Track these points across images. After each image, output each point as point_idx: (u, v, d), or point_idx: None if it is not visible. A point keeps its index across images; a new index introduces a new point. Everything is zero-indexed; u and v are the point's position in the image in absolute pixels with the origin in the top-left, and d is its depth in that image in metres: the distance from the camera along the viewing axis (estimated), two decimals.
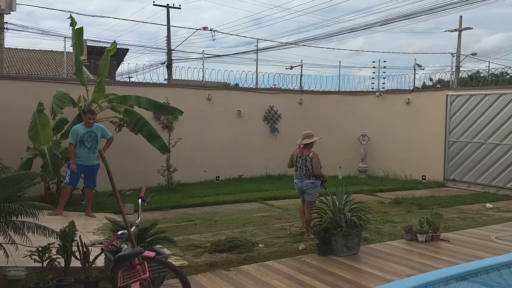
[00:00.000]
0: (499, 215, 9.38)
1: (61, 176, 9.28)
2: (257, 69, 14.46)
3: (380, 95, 14.78)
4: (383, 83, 15.42)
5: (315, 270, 5.69)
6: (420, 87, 16.41)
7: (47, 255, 4.66)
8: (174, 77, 19.60)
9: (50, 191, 9.61)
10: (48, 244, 4.70)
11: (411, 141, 13.83)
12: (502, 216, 9.19)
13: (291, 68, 16.92)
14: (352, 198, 6.71)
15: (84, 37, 10.18)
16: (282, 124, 14.19)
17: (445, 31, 27.78)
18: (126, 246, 4.14)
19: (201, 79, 13.55)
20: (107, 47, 10.42)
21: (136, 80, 13.32)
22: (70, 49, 10.78)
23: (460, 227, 8.13)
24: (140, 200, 4.54)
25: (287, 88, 14.86)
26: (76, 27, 9.70)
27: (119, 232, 4.10)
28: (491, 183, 12.19)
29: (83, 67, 11.02)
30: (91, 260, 4.81)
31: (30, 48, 26.76)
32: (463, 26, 26.59)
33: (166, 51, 25.57)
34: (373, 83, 15.56)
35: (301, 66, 15.44)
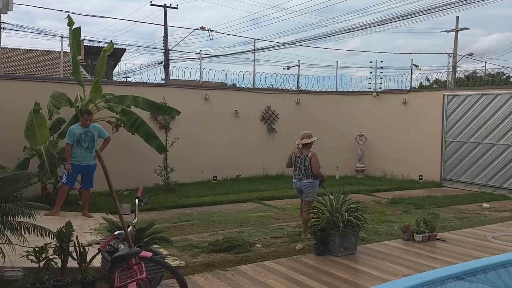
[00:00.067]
0: (496, 215, 9.41)
1: (58, 176, 9.27)
2: (254, 69, 14.48)
3: (377, 95, 14.81)
4: (380, 83, 15.47)
5: (312, 270, 5.69)
6: (417, 87, 16.46)
7: (43, 255, 4.65)
8: (171, 77, 19.56)
9: (47, 191, 9.59)
10: (45, 244, 4.69)
11: (408, 141, 13.87)
12: (498, 216, 9.22)
13: (289, 68, 16.94)
14: (349, 198, 6.72)
15: (81, 37, 10.15)
16: (280, 124, 14.20)
17: (442, 31, 27.86)
18: (123, 246, 4.13)
19: (198, 79, 13.55)
20: (104, 47, 10.40)
21: (133, 80, 13.28)
22: (67, 49, 10.76)
23: (457, 227, 8.15)
24: (137, 200, 4.52)
25: (284, 88, 14.87)
26: (73, 27, 9.69)
27: (116, 232, 4.09)
28: (488, 183, 12.23)
29: (80, 67, 10.98)
30: (88, 260, 4.80)
31: (27, 48, 26.72)
32: (459, 27, 26.68)
33: (163, 51, 25.57)
34: (370, 83, 15.61)
35: (299, 66, 15.46)
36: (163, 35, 26.58)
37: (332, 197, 6.56)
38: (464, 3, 18.60)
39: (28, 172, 5.61)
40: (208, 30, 23.14)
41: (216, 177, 13.07)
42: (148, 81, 12.69)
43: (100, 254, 4.70)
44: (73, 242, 4.82)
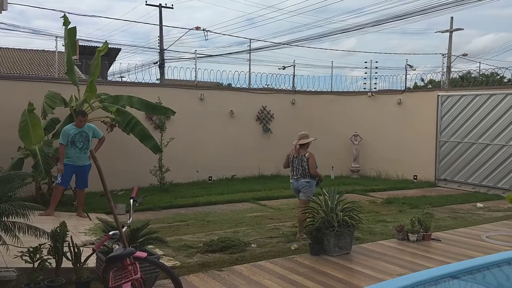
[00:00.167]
0: (490, 214, 9.46)
1: (53, 177, 9.23)
2: (250, 69, 14.47)
3: (372, 95, 14.85)
4: (375, 84, 15.52)
5: (308, 269, 5.70)
6: (411, 87, 16.53)
7: (38, 256, 4.63)
8: (166, 77, 19.55)
9: (41, 192, 9.55)
10: (39, 244, 4.67)
11: (402, 141, 13.92)
12: (492, 216, 9.27)
13: (284, 68, 16.96)
14: (344, 198, 6.73)
15: (76, 37, 10.11)
16: (275, 124, 14.21)
17: (437, 32, 27.94)
18: (117, 247, 4.12)
19: (193, 79, 13.53)
20: (99, 46, 10.37)
21: (128, 80, 13.26)
22: (62, 49, 10.71)
23: (451, 226, 8.19)
24: (131, 200, 4.52)
25: (279, 88, 14.88)
26: (69, 27, 9.65)
27: (110, 233, 4.08)
28: (482, 183, 12.29)
29: (75, 66, 10.95)
30: (82, 260, 4.78)
31: (22, 48, 26.57)
32: (454, 27, 26.78)
33: (159, 51, 25.50)
34: (365, 83, 15.64)
35: (294, 66, 15.49)
36: (158, 35, 26.53)
37: (327, 197, 6.57)
38: (459, 4, 18.69)
39: (23, 172, 5.59)
40: (203, 30, 23.10)
41: (211, 177, 13.06)
42: (143, 81, 12.67)
43: (94, 254, 4.69)
44: (67, 243, 4.80)
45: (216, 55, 26.22)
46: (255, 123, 14.04)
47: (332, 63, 16.14)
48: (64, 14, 9.80)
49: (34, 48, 27.07)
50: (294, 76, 15.30)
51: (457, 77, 18.80)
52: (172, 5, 27.45)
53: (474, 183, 12.48)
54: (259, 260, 6.00)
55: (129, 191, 10.06)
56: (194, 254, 6.27)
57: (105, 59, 13.38)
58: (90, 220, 7.60)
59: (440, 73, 16.33)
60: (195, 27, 23.22)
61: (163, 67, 23.57)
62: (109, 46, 10.57)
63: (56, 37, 11.96)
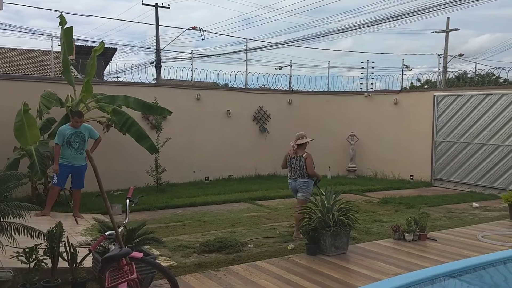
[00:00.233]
0: (486, 214, 9.50)
1: (49, 177, 9.20)
2: (246, 69, 14.48)
3: (369, 95, 14.88)
4: (372, 84, 15.52)
5: (304, 269, 5.71)
6: (408, 87, 16.55)
7: (34, 256, 4.62)
8: (163, 77, 19.51)
9: (37, 192, 9.52)
10: (35, 245, 4.66)
11: (399, 141, 13.95)
12: (488, 216, 9.30)
13: (281, 68, 16.98)
14: (340, 198, 6.74)
15: (73, 37, 10.09)
16: (272, 124, 14.21)
17: (433, 32, 28.02)
18: (113, 247, 4.11)
19: (190, 79, 13.51)
20: (95, 46, 10.34)
21: (124, 80, 13.23)
22: (58, 49, 10.68)
23: (447, 226, 8.21)
24: (128, 200, 4.51)
25: (276, 88, 14.89)
26: (65, 27, 9.62)
27: (106, 233, 4.07)
28: (478, 183, 12.34)
29: (71, 66, 10.93)
30: (78, 261, 4.77)
31: (17, 47, 26.47)
32: (450, 27, 26.85)
33: (155, 50, 25.48)
34: (361, 83, 15.65)
35: (291, 66, 15.48)
36: (155, 34, 26.49)
37: (323, 197, 6.58)
38: (455, 4, 18.76)
39: (18, 173, 5.57)
40: (200, 30, 23.13)
41: (208, 177, 13.05)
42: (140, 81, 12.63)
43: (90, 254, 4.69)
44: (63, 243, 4.79)
45: (213, 55, 26.25)
46: (251, 123, 14.04)
47: (328, 63, 16.12)
48: (61, 13, 9.77)
49: (30, 48, 27.02)
50: (291, 76, 15.31)
51: (453, 77, 18.83)
52: (169, 4, 27.45)
53: (470, 183, 12.52)
54: (256, 260, 6.00)
55: (125, 191, 10.04)
56: (190, 254, 6.26)
57: (101, 59, 13.38)
58: (77, 224, 7.53)
59: (437, 73, 16.38)
60: (192, 27, 23.25)
61: (160, 67, 23.55)
62: (105, 46, 10.56)
63: (52, 36, 11.91)
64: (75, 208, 8.32)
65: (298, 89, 15.18)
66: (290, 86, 15.26)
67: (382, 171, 14.33)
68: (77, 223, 7.54)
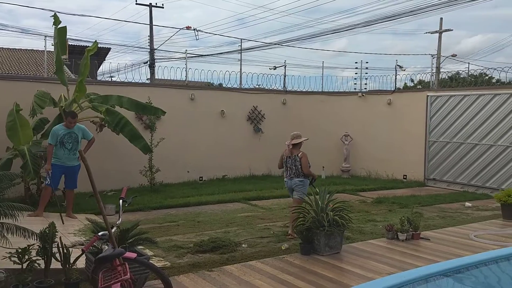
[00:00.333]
0: (478, 213, 9.55)
1: (41, 177, 9.15)
2: (241, 69, 14.49)
3: (363, 95, 14.92)
4: (366, 84, 15.57)
5: (298, 269, 5.71)
6: (401, 88, 16.61)
7: (27, 257, 4.59)
8: (156, 77, 19.49)
9: (30, 192, 9.47)
10: (28, 245, 4.63)
11: (392, 141, 14.00)
12: (481, 215, 9.36)
13: (275, 68, 16.97)
14: (334, 198, 6.76)
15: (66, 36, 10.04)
16: (266, 124, 14.22)
17: (426, 32, 28.15)
18: (107, 247, 4.10)
19: (184, 79, 13.50)
20: (88, 46, 10.30)
21: (118, 80, 13.17)
22: (51, 48, 10.62)
23: (440, 225, 8.25)
24: (121, 201, 4.50)
25: (270, 88, 14.90)
26: (59, 26, 9.57)
27: (100, 233, 4.06)
28: (470, 182, 12.41)
29: (64, 66, 10.87)
30: (71, 261, 4.75)
31: (10, 47, 26.28)
32: (443, 28, 26.99)
33: (149, 50, 25.40)
34: (355, 83, 15.70)
35: (285, 67, 15.50)
36: (149, 34, 26.41)
37: (317, 196, 6.60)
38: (448, 5, 18.86)
39: (11, 173, 5.55)
40: (194, 29, 23.09)
41: (202, 177, 13.03)
42: (133, 81, 12.60)
43: (84, 255, 4.67)
44: (56, 243, 4.77)
45: (207, 55, 26.23)
46: (246, 123, 14.04)
47: (323, 64, 16.20)
48: (55, 13, 9.73)
49: (23, 48, 26.85)
50: (285, 76, 15.33)
51: (446, 77, 18.93)
52: (163, 4, 27.35)
53: (463, 182, 12.60)
54: (250, 260, 6.00)
55: (119, 191, 10.00)
56: (184, 254, 6.25)
57: (94, 59, 13.32)
58: (63, 224, 7.47)
59: (430, 73, 16.46)
60: (186, 27, 23.21)
61: (154, 67, 23.49)
62: (99, 45, 10.52)
63: (45, 36, 11.85)
64: (68, 208, 8.28)
65: (292, 89, 15.20)
66: (284, 86, 15.28)
67: (376, 171, 14.38)
68: (63, 223, 7.47)
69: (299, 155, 7.38)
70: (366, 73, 15.70)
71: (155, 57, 25.18)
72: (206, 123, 13.14)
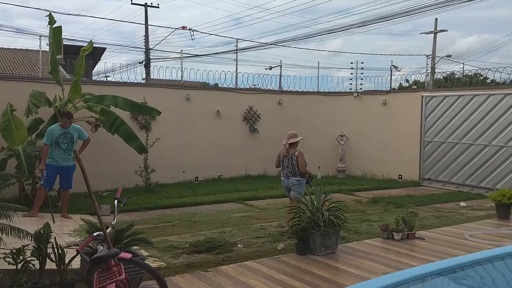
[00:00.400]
0: (473, 213, 9.59)
1: (36, 177, 9.11)
2: (236, 69, 14.46)
3: (358, 96, 14.96)
4: (361, 84, 15.63)
5: (294, 269, 5.72)
6: (396, 88, 16.67)
7: (21, 257, 4.58)
8: (152, 77, 19.40)
9: (24, 193, 9.43)
10: (23, 246, 4.61)
11: (387, 141, 14.04)
12: (475, 215, 9.40)
13: (271, 68, 16.99)
14: (330, 198, 6.77)
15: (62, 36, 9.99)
16: (262, 124, 14.22)
17: (421, 33, 28.22)
18: (102, 248, 4.09)
19: (179, 79, 13.47)
20: (83, 46, 10.26)
21: (113, 80, 13.12)
22: (46, 48, 10.58)
23: (435, 225, 8.28)
24: (116, 201, 4.48)
25: (266, 88, 14.90)
26: (54, 26, 9.53)
27: (94, 234, 4.04)
28: (465, 182, 12.46)
29: (60, 66, 10.82)
30: (66, 262, 4.74)
31: (5, 47, 26.14)
32: (438, 29, 27.08)
33: (144, 50, 25.34)
34: (351, 84, 15.75)
35: (281, 67, 15.52)
36: (144, 34, 26.35)
37: (313, 196, 6.61)
38: (442, 6, 18.91)
39: (5, 173, 5.52)
40: (189, 29, 23.02)
41: (197, 177, 13.02)
42: (129, 81, 12.57)
43: (79, 255, 4.65)
44: (51, 244, 4.75)
45: (203, 55, 26.22)
46: (241, 123, 14.03)
47: (318, 64, 16.25)
48: (50, 13, 9.68)
49: (17, 47, 26.71)
50: (280, 76, 15.35)
51: (441, 78, 19.02)
52: (158, 4, 27.29)
53: (458, 182, 12.65)
54: (245, 260, 6.00)
55: (114, 192, 9.96)
56: (179, 255, 6.24)
57: (89, 59, 13.27)
58: (54, 223, 7.43)
59: (425, 74, 16.50)
60: (181, 27, 23.13)
61: (149, 67, 23.41)
62: (94, 45, 10.48)
63: (40, 36, 11.79)
64: (63, 209, 8.26)
65: (288, 89, 15.21)
66: (280, 86, 15.29)
67: (371, 171, 14.41)
68: (53, 222, 7.42)
69: (295, 154, 7.48)
70: (362, 73, 15.77)
71: (151, 57, 25.13)
72: (202, 123, 13.13)
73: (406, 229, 7.18)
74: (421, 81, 20.45)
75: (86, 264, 4.41)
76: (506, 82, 15.49)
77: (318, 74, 15.70)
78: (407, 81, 23.26)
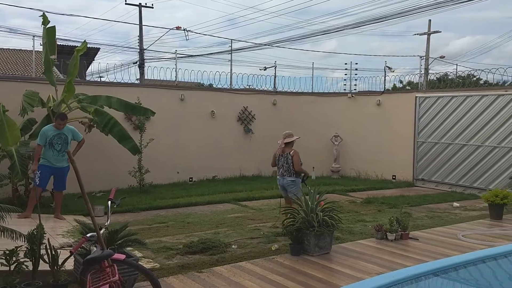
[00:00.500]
0: (466, 213, 9.64)
1: (30, 178, 9.06)
2: (231, 69, 14.46)
3: (352, 96, 15.00)
4: (355, 85, 15.69)
5: (288, 270, 5.72)
6: (390, 89, 16.74)
7: (14, 259, 4.56)
8: (146, 77, 19.36)
9: (18, 193, 9.37)
10: (16, 247, 4.59)
11: (381, 142, 14.09)
12: (468, 215, 9.45)
13: (265, 69, 17.01)
14: (324, 198, 6.79)
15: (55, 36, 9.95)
16: (256, 125, 14.22)
17: (415, 34, 28.39)
18: (95, 249, 4.07)
19: (174, 79, 13.45)
20: (77, 46, 10.22)
21: (107, 80, 13.07)
22: (39, 48, 10.52)
23: (428, 225, 8.32)
24: (109, 202, 4.47)
25: (261, 89, 14.91)
26: (47, 26, 9.49)
27: (88, 235, 4.03)
28: (458, 183, 12.52)
29: (53, 66, 10.76)
30: (60, 263, 4.72)
31: None
32: (432, 30, 27.19)
33: (138, 50, 25.26)
34: (345, 84, 15.80)
35: (275, 67, 15.53)
36: (138, 34, 26.27)
37: (307, 197, 6.62)
38: (436, 7, 19.01)
39: None
40: (184, 30, 22.98)
41: (192, 178, 13.00)
42: (122, 81, 12.53)
43: (72, 256, 4.64)
44: (44, 245, 4.73)
45: (197, 55, 26.15)
46: (236, 124, 14.03)
47: (313, 65, 16.32)
48: (43, 13, 9.64)
49: (11, 47, 26.54)
50: (275, 77, 15.36)
51: (435, 79, 19.13)
52: (152, 4, 27.22)
53: (451, 183, 12.71)
54: (240, 261, 6.00)
55: (108, 192, 9.93)
56: (173, 255, 6.23)
57: (83, 59, 13.21)
58: (40, 222, 7.39)
59: (418, 75, 16.58)
60: (176, 27, 23.10)
61: (143, 67, 23.36)
62: (88, 45, 10.43)
63: (34, 36, 11.74)
64: (56, 210, 8.22)
65: (283, 90, 15.23)
66: (274, 86, 15.31)
67: (365, 171, 14.45)
68: (39, 221, 7.37)
69: (291, 153, 7.58)
70: (356, 74, 15.83)
71: (145, 57, 25.07)
72: (196, 124, 13.11)
73: (399, 230, 7.21)
74: (414, 82, 20.56)
75: (80, 265, 4.40)
76: (499, 83, 15.59)
77: (312, 74, 15.77)
78: (401, 82, 23.41)
